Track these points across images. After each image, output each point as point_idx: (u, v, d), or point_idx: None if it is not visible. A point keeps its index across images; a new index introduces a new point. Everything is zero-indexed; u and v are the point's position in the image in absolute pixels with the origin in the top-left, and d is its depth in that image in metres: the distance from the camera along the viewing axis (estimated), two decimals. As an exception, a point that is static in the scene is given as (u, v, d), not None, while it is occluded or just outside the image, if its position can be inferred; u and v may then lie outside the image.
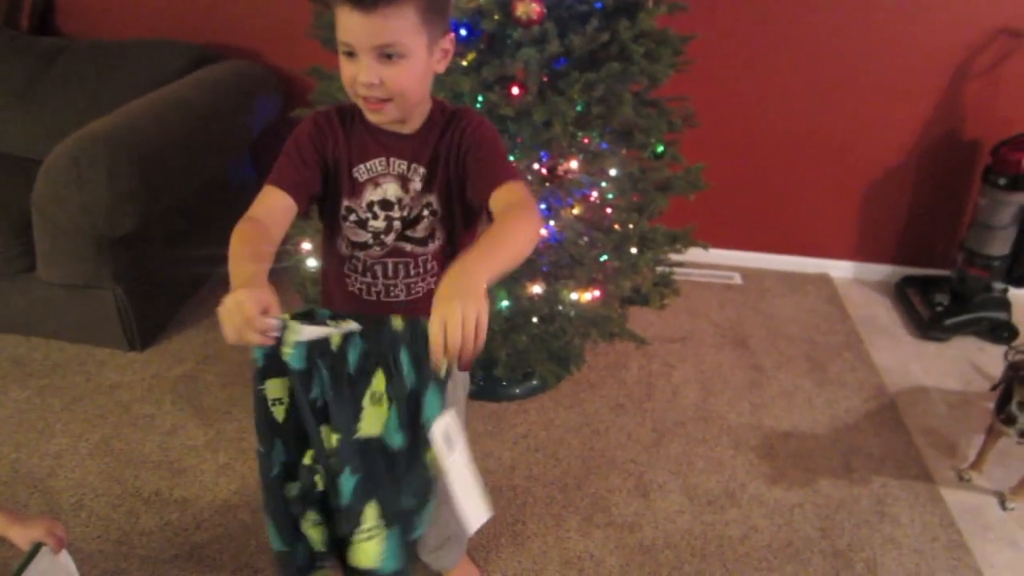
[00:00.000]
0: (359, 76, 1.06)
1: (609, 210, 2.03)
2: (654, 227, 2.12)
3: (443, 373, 0.95)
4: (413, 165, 1.19)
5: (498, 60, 1.77)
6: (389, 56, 1.05)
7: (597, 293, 2.05)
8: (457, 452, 0.97)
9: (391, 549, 1.01)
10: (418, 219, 1.21)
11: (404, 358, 0.99)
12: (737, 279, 3.09)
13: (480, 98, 1.81)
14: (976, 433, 2.19)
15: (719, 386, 2.45)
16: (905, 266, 3.10)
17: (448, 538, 1.66)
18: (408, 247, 1.23)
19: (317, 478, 1.04)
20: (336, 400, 0.99)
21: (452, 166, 1.19)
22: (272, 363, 0.99)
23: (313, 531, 1.07)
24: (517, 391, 2.33)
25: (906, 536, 1.93)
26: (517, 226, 1.03)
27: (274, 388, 1.02)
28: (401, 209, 1.20)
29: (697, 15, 2.04)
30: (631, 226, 2.04)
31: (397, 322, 1.00)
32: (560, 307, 2.03)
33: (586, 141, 1.95)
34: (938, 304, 2.78)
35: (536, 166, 1.89)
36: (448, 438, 0.97)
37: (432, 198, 1.20)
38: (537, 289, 1.97)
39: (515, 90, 1.80)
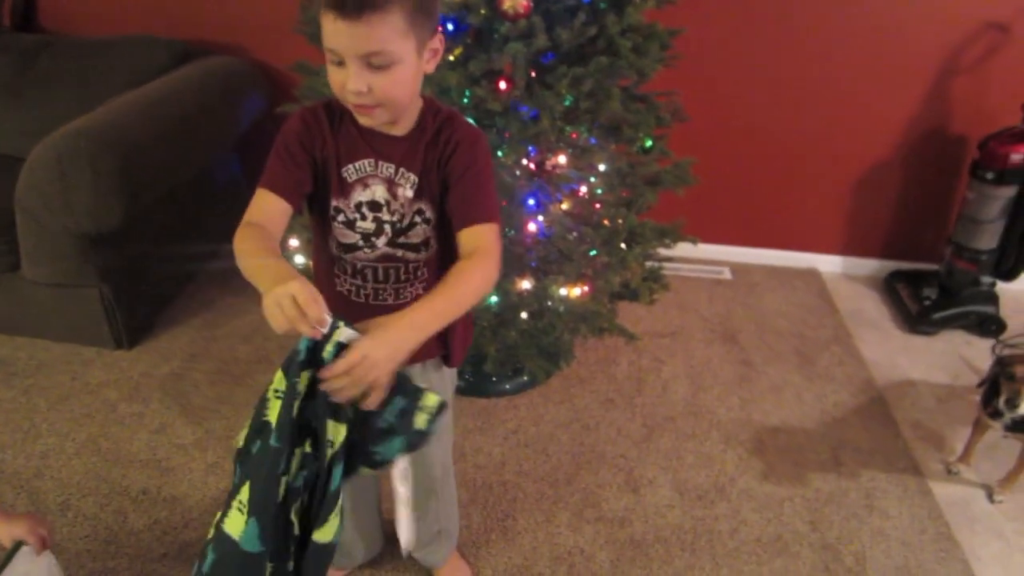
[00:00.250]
0: (348, 84, 1.05)
1: (598, 205, 2.03)
2: (643, 222, 2.12)
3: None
4: (401, 170, 1.17)
5: (485, 55, 1.76)
6: (377, 64, 1.03)
7: (586, 288, 2.05)
8: (403, 489, 1.14)
9: (341, 524, 1.09)
10: (412, 226, 1.20)
11: (396, 407, 1.04)
12: (726, 274, 3.09)
13: (467, 93, 1.80)
14: (964, 426, 2.19)
15: (709, 381, 2.45)
16: (893, 260, 3.11)
17: (438, 533, 1.65)
18: (401, 253, 1.22)
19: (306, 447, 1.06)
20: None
21: (439, 178, 1.18)
22: (310, 357, 1.00)
23: (294, 516, 1.08)
24: (507, 387, 2.32)
25: (895, 529, 1.93)
26: (472, 281, 1.10)
27: (299, 383, 1.02)
28: (390, 212, 1.19)
29: (685, 9, 2.04)
30: (620, 221, 2.03)
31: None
32: (549, 302, 2.03)
33: (574, 136, 1.94)
34: (926, 298, 2.79)
35: (524, 161, 1.88)
36: (404, 476, 1.12)
37: (423, 205, 1.19)
38: (526, 284, 1.96)
39: (502, 85, 1.79)
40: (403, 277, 1.24)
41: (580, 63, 1.80)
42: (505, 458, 2.10)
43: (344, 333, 0.96)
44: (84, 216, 2.10)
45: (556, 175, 1.91)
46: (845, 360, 2.58)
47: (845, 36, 2.69)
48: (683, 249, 2.31)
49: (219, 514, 1.07)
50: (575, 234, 1.96)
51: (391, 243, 1.21)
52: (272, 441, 1.02)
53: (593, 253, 2.03)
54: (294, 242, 2.01)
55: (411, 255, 1.22)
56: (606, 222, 2.03)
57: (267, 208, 1.13)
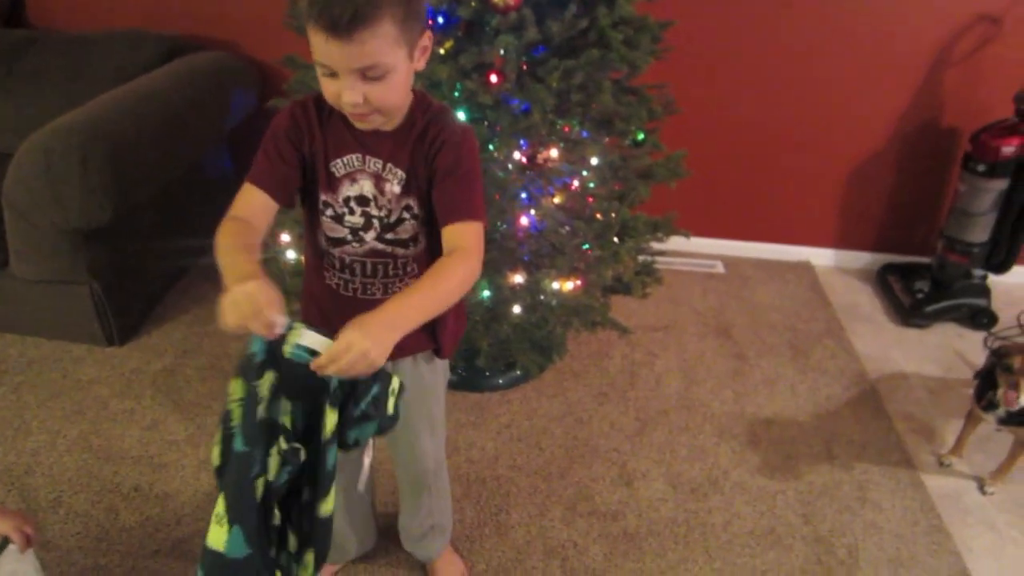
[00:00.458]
0: (344, 97, 1.04)
1: (590, 199, 2.02)
2: (635, 215, 2.12)
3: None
4: (389, 165, 1.16)
5: (476, 48, 1.75)
6: (372, 76, 1.03)
7: (579, 282, 2.05)
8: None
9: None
10: (400, 221, 1.19)
11: (371, 394, 1.06)
12: (719, 267, 3.09)
13: (458, 86, 1.79)
14: (956, 419, 2.20)
15: (702, 374, 2.45)
16: (886, 253, 3.12)
17: (432, 527, 1.65)
18: (389, 248, 1.22)
19: (301, 453, 1.06)
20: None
21: (426, 174, 1.17)
22: (269, 359, 1.01)
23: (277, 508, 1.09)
24: (500, 381, 2.32)
25: (887, 521, 1.94)
26: (453, 277, 1.10)
27: (261, 385, 1.02)
28: (378, 208, 1.18)
29: (676, 2, 2.03)
30: (612, 215, 2.03)
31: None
32: (542, 296, 2.02)
33: (566, 129, 1.93)
34: (918, 291, 2.80)
35: (516, 155, 1.88)
36: (367, 484, 1.20)
37: (411, 200, 1.18)
38: (519, 279, 1.96)
39: (493, 78, 1.78)
40: (392, 272, 1.24)
41: (571, 56, 1.80)
42: (498, 452, 2.10)
43: (305, 336, 0.97)
44: (73, 212, 2.09)
45: (548, 169, 1.90)
46: (838, 353, 2.58)
47: (837, 29, 2.69)
48: (676, 243, 2.31)
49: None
50: (567, 228, 1.96)
51: (379, 238, 1.20)
52: (237, 446, 1.02)
53: (586, 247, 2.02)
54: (286, 237, 2.00)
55: (400, 250, 1.22)
56: (598, 216, 2.02)
57: (252, 203, 1.13)
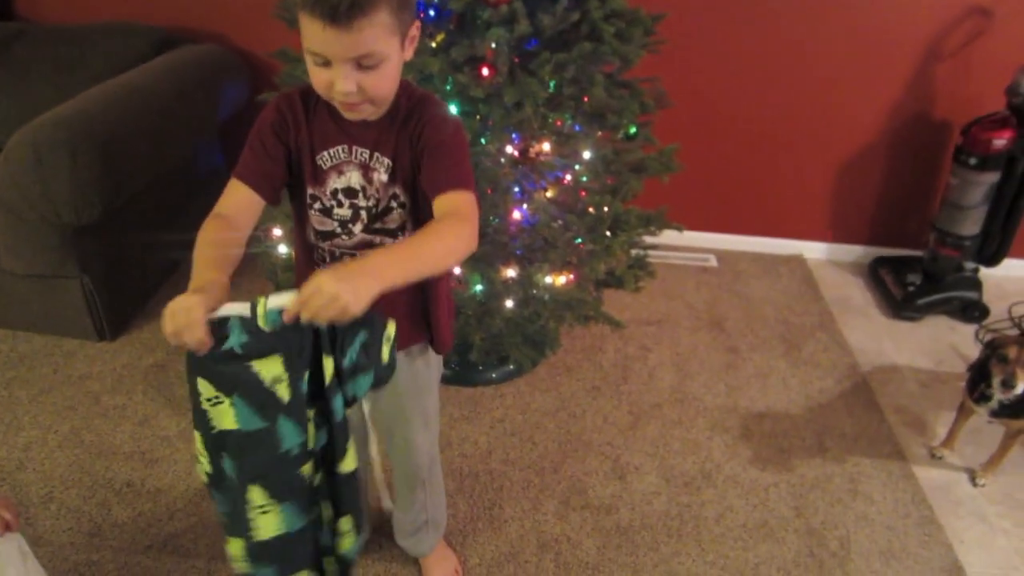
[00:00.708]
0: (336, 85, 1.03)
1: (583, 192, 2.02)
2: (628, 209, 2.12)
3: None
4: (376, 154, 1.16)
5: (467, 41, 1.74)
6: (367, 64, 1.03)
7: (571, 276, 2.05)
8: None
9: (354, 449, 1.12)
10: (388, 211, 1.19)
11: (357, 341, 1.03)
12: (712, 261, 3.10)
13: (450, 79, 1.78)
14: (948, 411, 2.21)
15: (695, 368, 2.45)
16: (878, 247, 3.12)
17: (425, 522, 1.65)
18: (378, 239, 1.21)
19: (311, 412, 1.06)
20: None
21: (412, 159, 1.16)
22: (255, 341, 0.97)
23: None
24: (493, 375, 2.32)
25: (879, 513, 1.95)
26: (442, 239, 1.04)
27: (270, 367, 0.99)
28: (366, 198, 1.18)
29: (668, -5, 2.03)
30: (605, 208, 2.02)
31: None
32: (534, 291, 2.02)
33: (558, 123, 1.93)
34: (910, 284, 2.80)
35: (508, 148, 1.87)
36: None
37: (398, 189, 1.18)
38: (511, 273, 1.96)
39: (485, 71, 1.77)
40: None
41: (563, 49, 1.79)
42: (491, 447, 2.10)
43: (271, 299, 0.95)
44: (63, 206, 2.07)
45: (540, 162, 1.90)
46: (830, 346, 2.59)
47: (829, 22, 2.69)
48: (668, 237, 2.31)
49: (236, 544, 1.08)
50: (560, 222, 1.95)
51: (368, 229, 1.20)
52: (244, 426, 1.00)
53: (578, 241, 2.02)
54: (278, 231, 1.99)
55: (389, 240, 1.22)
56: (591, 209, 2.02)
57: (237, 199, 1.13)
